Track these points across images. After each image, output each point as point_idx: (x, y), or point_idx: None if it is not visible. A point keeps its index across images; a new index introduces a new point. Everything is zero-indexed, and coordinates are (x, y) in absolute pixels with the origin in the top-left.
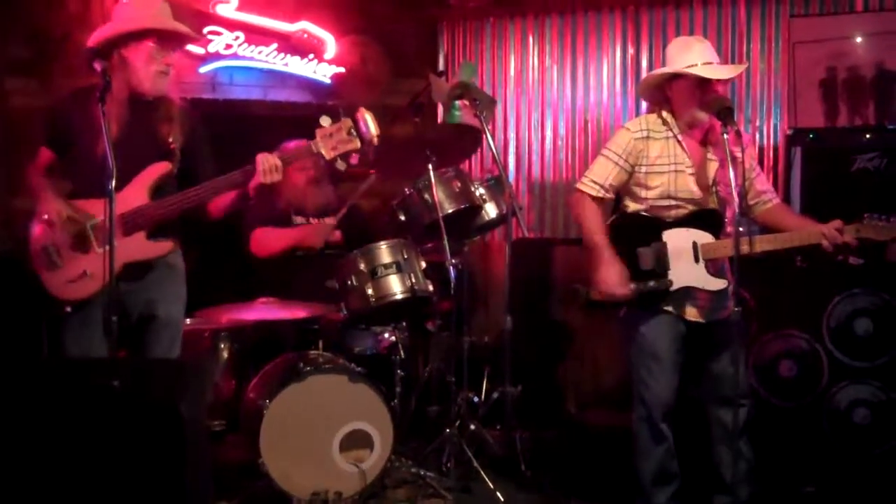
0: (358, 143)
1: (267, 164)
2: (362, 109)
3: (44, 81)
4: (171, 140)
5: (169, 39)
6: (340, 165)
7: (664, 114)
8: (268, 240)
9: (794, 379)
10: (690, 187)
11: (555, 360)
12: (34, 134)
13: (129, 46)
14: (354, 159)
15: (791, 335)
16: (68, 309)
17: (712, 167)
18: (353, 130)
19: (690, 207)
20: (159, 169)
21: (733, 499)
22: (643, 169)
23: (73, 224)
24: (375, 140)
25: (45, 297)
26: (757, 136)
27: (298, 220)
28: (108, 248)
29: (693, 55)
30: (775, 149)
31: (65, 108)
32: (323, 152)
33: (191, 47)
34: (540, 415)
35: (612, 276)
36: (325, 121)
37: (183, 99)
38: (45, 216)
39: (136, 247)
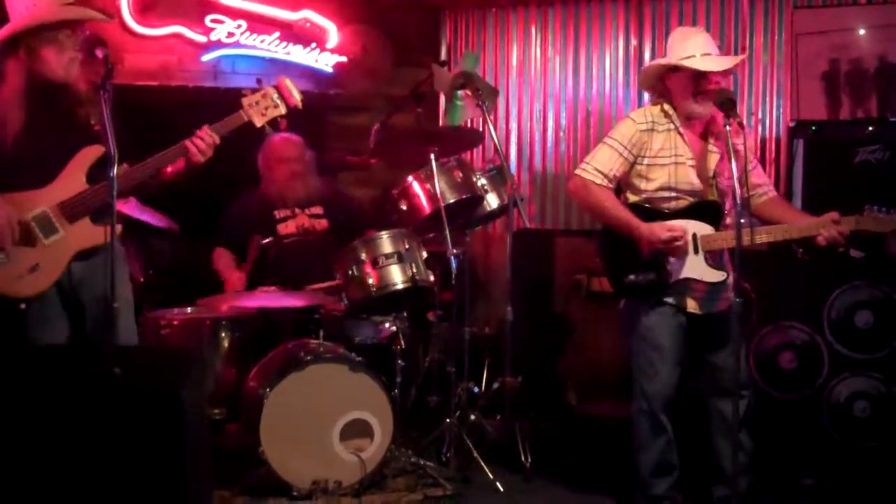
0: (283, 109)
1: (198, 145)
2: (282, 77)
3: None
4: (93, 122)
5: (77, 26)
6: (269, 131)
7: (666, 106)
8: (218, 265)
9: (795, 371)
10: (691, 179)
11: (555, 351)
12: None
13: (38, 37)
14: (283, 124)
15: (791, 327)
16: (23, 306)
17: (713, 159)
18: (276, 97)
19: (690, 199)
20: (92, 152)
21: (732, 490)
22: (645, 161)
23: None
24: (300, 105)
25: None
26: (759, 128)
27: (281, 213)
28: (53, 239)
29: (691, 46)
30: (777, 141)
31: None
32: (254, 120)
33: (193, 35)
34: (540, 405)
35: (657, 231)
36: (247, 91)
37: (89, 81)
38: None
39: (85, 233)
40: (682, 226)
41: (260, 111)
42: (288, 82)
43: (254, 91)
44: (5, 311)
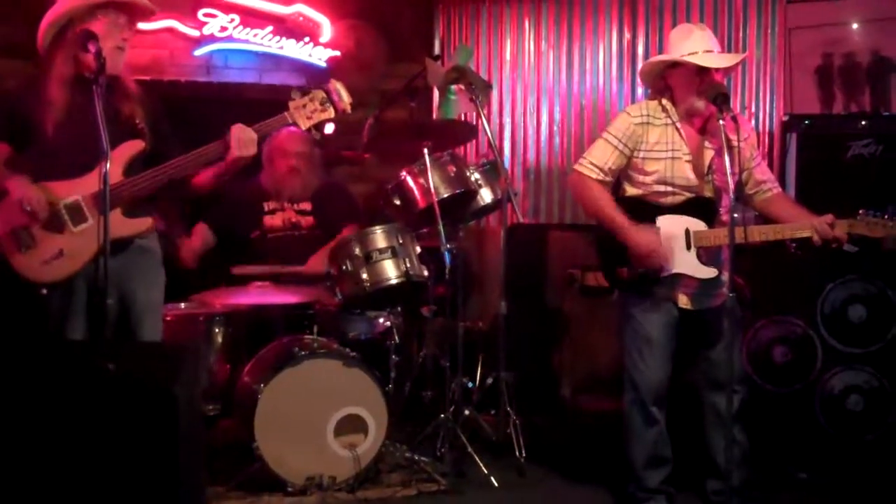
0: (332, 113)
1: (242, 137)
2: (333, 81)
3: (40, 64)
4: (137, 120)
5: (124, 13)
6: (315, 135)
7: (664, 101)
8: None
9: (788, 365)
10: (687, 174)
11: (549, 346)
12: None
13: (85, 21)
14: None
15: (785, 321)
16: (44, 291)
17: (708, 155)
18: (325, 101)
19: (686, 194)
20: (132, 147)
21: (726, 484)
22: (641, 154)
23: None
24: (348, 109)
25: (17, 280)
26: (752, 122)
27: (270, 206)
28: (82, 227)
29: (693, 43)
30: (771, 135)
31: (19, 99)
32: (299, 123)
33: (185, 29)
34: (534, 400)
35: (648, 241)
36: (296, 94)
37: (135, 81)
38: (27, 206)
39: (115, 224)
40: (669, 260)
41: (306, 114)
42: (338, 85)
43: (302, 93)
44: (28, 297)
